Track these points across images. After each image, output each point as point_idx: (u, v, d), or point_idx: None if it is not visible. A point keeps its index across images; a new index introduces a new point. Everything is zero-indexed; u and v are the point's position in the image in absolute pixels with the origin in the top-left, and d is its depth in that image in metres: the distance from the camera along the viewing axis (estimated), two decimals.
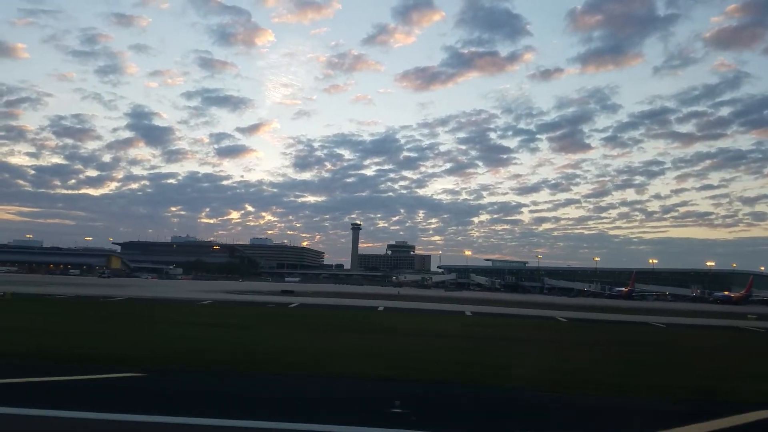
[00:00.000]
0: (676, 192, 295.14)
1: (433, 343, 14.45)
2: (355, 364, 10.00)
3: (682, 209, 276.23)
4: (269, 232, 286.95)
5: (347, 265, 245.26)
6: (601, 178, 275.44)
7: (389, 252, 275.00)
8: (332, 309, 28.96)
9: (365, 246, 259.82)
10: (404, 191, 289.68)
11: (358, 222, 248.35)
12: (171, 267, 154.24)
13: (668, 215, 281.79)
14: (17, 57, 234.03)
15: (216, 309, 26.92)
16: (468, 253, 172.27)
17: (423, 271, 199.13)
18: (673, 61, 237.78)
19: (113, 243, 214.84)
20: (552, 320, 27.31)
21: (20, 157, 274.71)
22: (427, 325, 21.38)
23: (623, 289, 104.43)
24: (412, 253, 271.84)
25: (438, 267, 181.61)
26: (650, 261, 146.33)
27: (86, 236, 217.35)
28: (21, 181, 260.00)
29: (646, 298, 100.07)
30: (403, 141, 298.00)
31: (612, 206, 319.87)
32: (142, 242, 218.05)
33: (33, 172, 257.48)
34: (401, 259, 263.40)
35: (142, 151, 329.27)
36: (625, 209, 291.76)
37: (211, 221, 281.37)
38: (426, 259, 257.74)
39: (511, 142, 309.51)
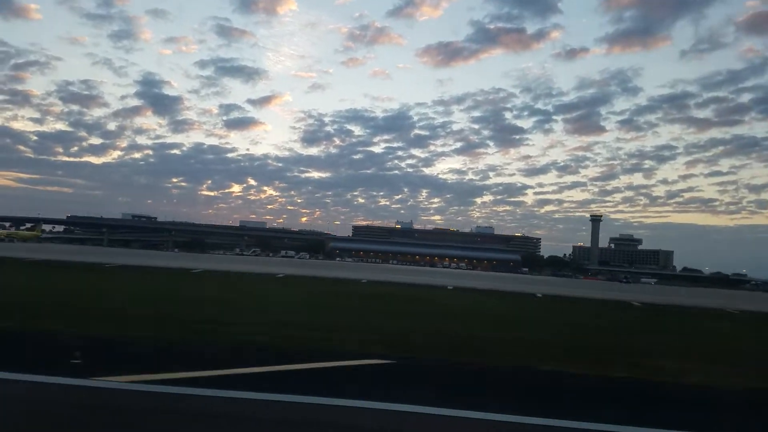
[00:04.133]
0: (684, 178, 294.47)
1: None
2: None
3: (687, 195, 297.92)
4: (269, 206, 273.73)
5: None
6: (610, 162, 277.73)
7: (612, 245, 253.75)
8: None
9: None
10: (410, 170, 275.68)
11: (599, 213, 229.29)
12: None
13: (672, 200, 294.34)
14: (29, 18, 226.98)
15: None
16: None
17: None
18: (702, 44, 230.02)
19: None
20: None
21: (23, 122, 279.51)
22: None
23: None
24: (639, 247, 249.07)
25: None
26: None
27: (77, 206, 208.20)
28: (22, 147, 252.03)
29: None
30: (416, 118, 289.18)
31: (617, 190, 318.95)
32: (369, 226, 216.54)
33: (35, 138, 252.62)
34: (630, 253, 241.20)
35: (148, 120, 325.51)
36: (630, 193, 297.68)
37: (212, 194, 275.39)
38: (669, 255, 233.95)
39: (526, 123, 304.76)
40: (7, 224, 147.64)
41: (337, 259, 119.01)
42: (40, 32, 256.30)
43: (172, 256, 62.09)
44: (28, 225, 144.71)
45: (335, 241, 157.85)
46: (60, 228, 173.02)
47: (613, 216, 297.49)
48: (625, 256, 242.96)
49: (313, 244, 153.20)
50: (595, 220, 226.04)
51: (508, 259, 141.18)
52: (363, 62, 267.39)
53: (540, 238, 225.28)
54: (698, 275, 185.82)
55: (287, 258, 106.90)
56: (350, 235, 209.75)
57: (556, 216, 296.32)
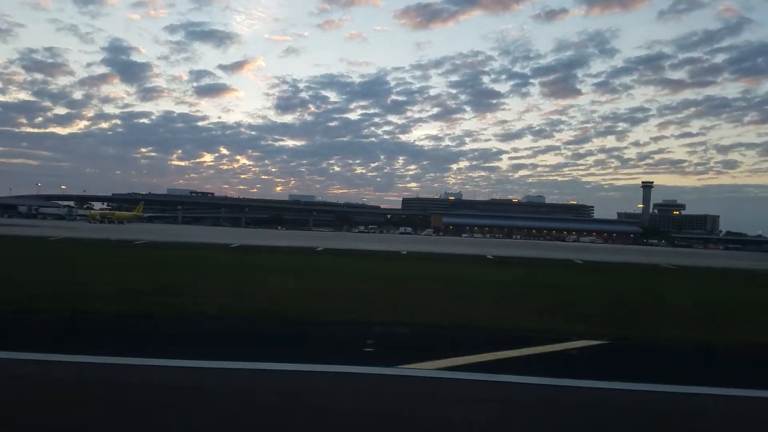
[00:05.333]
0: (655, 139, 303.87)
1: None
2: None
3: (658, 156, 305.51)
4: (242, 176, 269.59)
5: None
6: (584, 125, 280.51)
7: (656, 211, 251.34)
8: None
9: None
10: (387, 137, 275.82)
11: (650, 180, 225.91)
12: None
13: (642, 162, 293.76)
14: None
15: None
16: None
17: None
18: (680, 4, 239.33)
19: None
20: None
21: None
22: None
23: None
24: (682, 212, 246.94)
25: None
26: None
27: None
28: None
29: None
30: (393, 83, 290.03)
31: (590, 153, 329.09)
32: (418, 198, 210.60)
33: None
34: (675, 218, 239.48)
35: (116, 88, 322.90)
36: (602, 156, 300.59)
37: (182, 164, 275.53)
38: (715, 219, 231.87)
39: (503, 87, 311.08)
40: (63, 203, 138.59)
41: (464, 235, 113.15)
42: None
43: (310, 236, 61.31)
44: (90, 203, 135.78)
45: (447, 216, 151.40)
46: (103, 204, 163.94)
47: (585, 179, 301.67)
48: (671, 221, 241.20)
49: (413, 218, 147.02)
50: (647, 186, 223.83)
51: (627, 231, 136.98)
52: (339, 25, 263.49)
53: (593, 206, 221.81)
54: (744, 239, 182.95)
55: (407, 234, 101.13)
56: (400, 208, 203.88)
57: (530, 180, 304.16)
